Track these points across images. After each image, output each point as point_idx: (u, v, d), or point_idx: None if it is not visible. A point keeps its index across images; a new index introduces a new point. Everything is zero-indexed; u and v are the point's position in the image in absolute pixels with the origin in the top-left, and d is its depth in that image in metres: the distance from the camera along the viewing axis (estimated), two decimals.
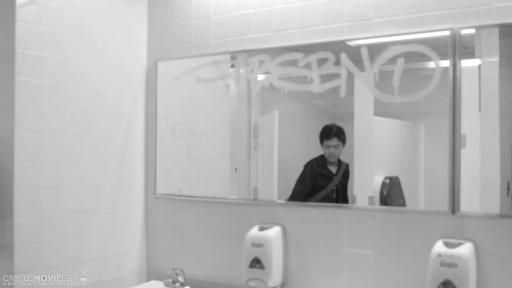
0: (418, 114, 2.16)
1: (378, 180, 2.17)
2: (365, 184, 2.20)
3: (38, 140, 2.29)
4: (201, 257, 2.62)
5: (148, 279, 2.81)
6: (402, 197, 2.16)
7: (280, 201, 2.40)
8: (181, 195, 2.68)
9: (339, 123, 2.30)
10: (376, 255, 2.14)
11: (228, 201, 2.57)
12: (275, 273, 2.27)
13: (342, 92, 2.22)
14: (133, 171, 2.78)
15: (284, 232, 2.35)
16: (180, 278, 2.46)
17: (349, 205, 2.23)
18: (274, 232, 2.30)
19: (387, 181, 2.17)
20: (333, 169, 2.34)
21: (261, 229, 2.33)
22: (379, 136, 2.19)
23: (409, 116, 2.19)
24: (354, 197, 2.22)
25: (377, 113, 2.17)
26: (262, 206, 2.44)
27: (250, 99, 2.51)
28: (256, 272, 2.27)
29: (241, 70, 2.52)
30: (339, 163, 2.33)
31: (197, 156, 2.66)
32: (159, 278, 2.64)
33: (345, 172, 2.30)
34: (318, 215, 2.29)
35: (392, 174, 2.19)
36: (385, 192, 2.17)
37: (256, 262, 2.27)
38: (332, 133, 2.33)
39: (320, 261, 2.28)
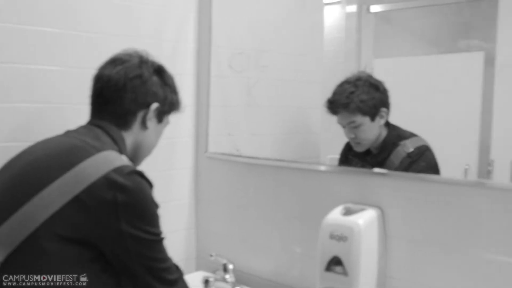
0: None
1: None
2: (509, 150, 1.43)
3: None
4: (263, 244, 1.84)
5: (198, 268, 2.08)
6: None
7: (378, 170, 1.54)
8: (239, 156, 1.90)
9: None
10: None
11: (304, 166, 1.75)
12: (364, 283, 1.44)
13: None
14: (178, 122, 1.87)
15: (383, 218, 1.50)
16: (228, 276, 1.70)
17: (484, 180, 1.39)
18: (365, 218, 1.46)
19: None
20: None
21: (347, 212, 1.50)
22: None
23: None
24: (489, 170, 1.44)
25: None
26: (353, 176, 1.60)
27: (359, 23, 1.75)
28: (334, 278, 1.46)
29: None
30: None
31: (262, 99, 1.87)
32: (211, 268, 1.90)
33: None
34: (439, 194, 1.40)
35: None
36: None
37: (335, 263, 1.47)
38: (333, 103, 1.63)
39: (440, 270, 1.41)
